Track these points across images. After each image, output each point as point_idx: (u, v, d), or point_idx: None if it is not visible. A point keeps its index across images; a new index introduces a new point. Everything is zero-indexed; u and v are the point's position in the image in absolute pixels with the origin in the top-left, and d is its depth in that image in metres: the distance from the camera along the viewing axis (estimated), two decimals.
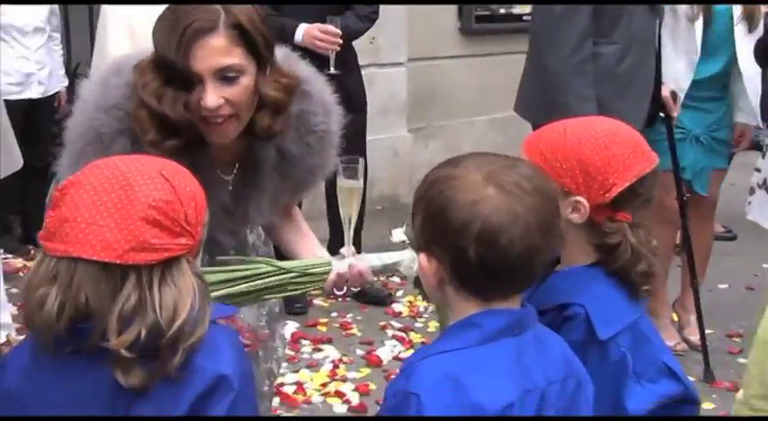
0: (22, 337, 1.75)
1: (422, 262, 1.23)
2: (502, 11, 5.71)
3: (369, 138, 4.18)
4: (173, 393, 1.15)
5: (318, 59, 3.01)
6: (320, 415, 2.83)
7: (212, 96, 1.56)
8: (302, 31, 3.63)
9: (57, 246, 1.15)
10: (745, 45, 3.39)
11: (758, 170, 3.49)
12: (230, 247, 1.82)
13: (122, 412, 1.15)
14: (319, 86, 1.81)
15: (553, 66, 2.93)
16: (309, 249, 1.84)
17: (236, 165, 1.75)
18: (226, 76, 1.58)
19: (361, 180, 1.74)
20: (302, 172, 1.77)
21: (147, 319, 1.12)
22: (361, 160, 1.74)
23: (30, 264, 4.07)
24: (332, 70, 3.51)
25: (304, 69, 1.80)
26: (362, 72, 3.97)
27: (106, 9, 2.83)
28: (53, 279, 1.14)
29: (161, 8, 1.75)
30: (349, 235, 1.78)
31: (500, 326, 1.24)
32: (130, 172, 1.17)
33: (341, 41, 3.58)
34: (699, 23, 3.37)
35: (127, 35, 2.71)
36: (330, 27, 3.63)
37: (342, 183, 1.70)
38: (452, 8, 5.95)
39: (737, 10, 3.37)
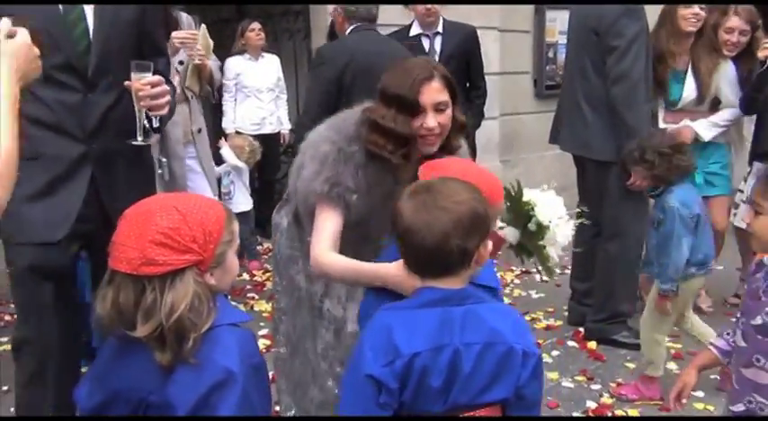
0: None
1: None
2: None
3: None
4: (194, 378, 1.32)
5: None
6: None
7: (432, 120, 1.91)
8: None
9: (110, 260, 1.36)
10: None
11: (741, 191, 3.88)
12: None
13: (161, 388, 1.33)
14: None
15: (635, 122, 3.34)
16: None
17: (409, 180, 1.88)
18: (439, 108, 1.92)
19: None
20: None
21: (160, 315, 1.31)
22: None
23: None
24: None
25: None
26: None
27: None
28: (108, 284, 1.37)
29: None
30: None
31: (433, 298, 1.47)
32: (154, 207, 1.37)
33: None
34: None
35: None
36: None
37: None
38: (530, 79, 7.11)
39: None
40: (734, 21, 3.80)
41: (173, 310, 1.31)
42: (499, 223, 2.30)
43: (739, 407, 1.81)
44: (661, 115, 3.89)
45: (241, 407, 1.34)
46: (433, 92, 1.91)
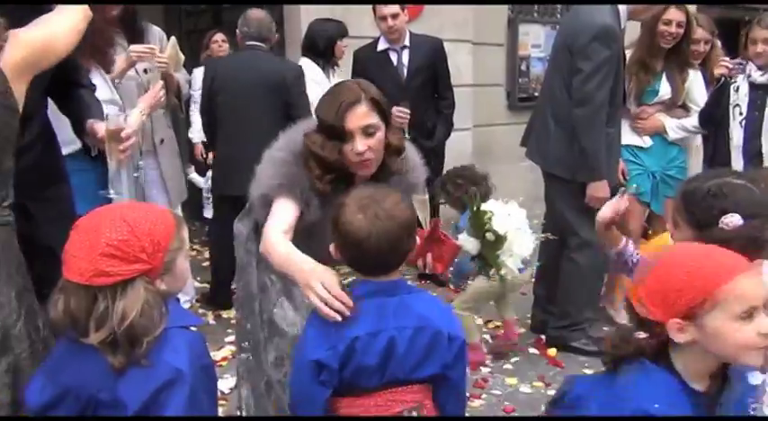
0: None
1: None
2: (536, 94, 6.27)
3: None
4: (144, 377, 1.39)
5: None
6: None
7: (360, 144, 1.95)
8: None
9: (63, 269, 1.42)
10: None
11: None
12: None
13: (112, 387, 1.39)
14: (411, 149, 2.22)
15: (590, 145, 3.43)
16: None
17: None
18: (368, 131, 1.96)
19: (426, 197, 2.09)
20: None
21: (112, 322, 1.37)
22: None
23: None
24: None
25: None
26: None
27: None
28: (61, 291, 1.43)
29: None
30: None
31: (371, 290, 1.68)
32: (104, 218, 1.43)
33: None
34: None
35: None
36: (403, 109, 4.19)
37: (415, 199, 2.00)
38: (503, 91, 7.23)
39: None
40: (698, 32, 4.07)
41: (124, 317, 1.37)
42: (460, 235, 2.42)
43: None
44: (635, 109, 4.02)
45: (189, 406, 1.40)
46: (360, 116, 1.95)
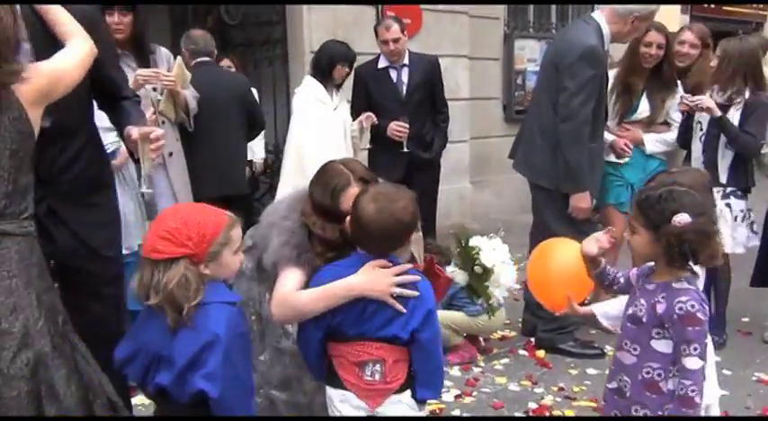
0: None
1: None
2: None
3: (445, 187, 5.36)
4: (190, 339, 1.76)
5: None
6: None
7: None
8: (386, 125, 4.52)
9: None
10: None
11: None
12: None
13: (168, 345, 1.78)
14: None
15: (574, 158, 3.64)
16: None
17: None
18: None
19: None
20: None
21: (160, 289, 1.77)
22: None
23: None
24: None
25: None
26: None
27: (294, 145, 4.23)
28: (139, 268, 1.85)
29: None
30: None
31: (363, 260, 2.08)
32: (170, 211, 1.93)
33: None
34: None
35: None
36: (402, 123, 4.51)
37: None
38: (499, 104, 7.48)
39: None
40: (686, 34, 4.32)
41: (165, 286, 1.76)
42: (449, 267, 2.62)
43: (613, 385, 2.13)
44: (613, 126, 4.21)
45: (224, 365, 1.74)
46: (352, 197, 2.12)
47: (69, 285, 2.32)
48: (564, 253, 2.36)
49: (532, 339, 4.09)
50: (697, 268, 2.06)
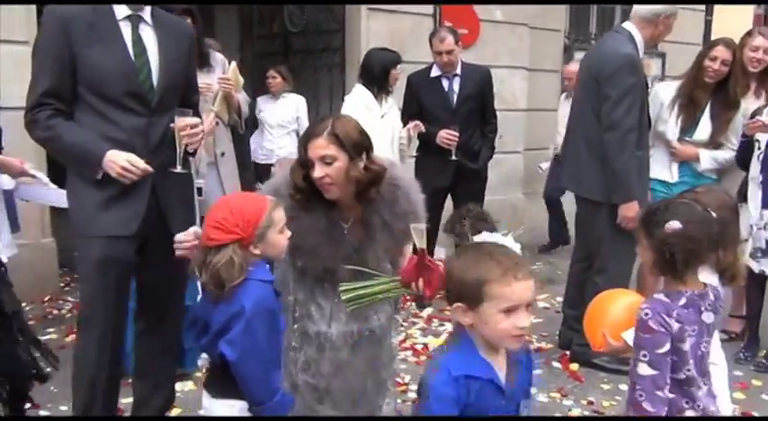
0: None
1: None
2: None
3: (497, 197, 5.44)
4: (224, 309, 1.99)
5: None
6: None
7: (317, 171, 2.24)
8: None
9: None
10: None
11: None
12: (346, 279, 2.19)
13: (210, 312, 2.02)
14: (406, 180, 2.40)
15: (621, 168, 3.64)
16: None
17: (351, 219, 2.35)
18: (326, 161, 2.23)
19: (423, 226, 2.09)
20: (395, 234, 2.32)
21: (208, 269, 2.00)
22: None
23: None
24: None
25: (400, 169, 2.44)
26: (495, 156, 5.08)
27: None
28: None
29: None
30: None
31: None
32: (219, 203, 2.10)
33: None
34: None
35: None
36: (452, 131, 4.56)
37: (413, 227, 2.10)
38: (555, 116, 7.13)
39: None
40: (758, 40, 4.13)
41: (213, 266, 1.98)
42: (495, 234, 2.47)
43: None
44: (673, 141, 4.17)
45: (243, 333, 1.95)
46: (317, 147, 2.23)
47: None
48: (624, 302, 2.24)
49: (568, 352, 4.10)
50: (710, 278, 2.08)
